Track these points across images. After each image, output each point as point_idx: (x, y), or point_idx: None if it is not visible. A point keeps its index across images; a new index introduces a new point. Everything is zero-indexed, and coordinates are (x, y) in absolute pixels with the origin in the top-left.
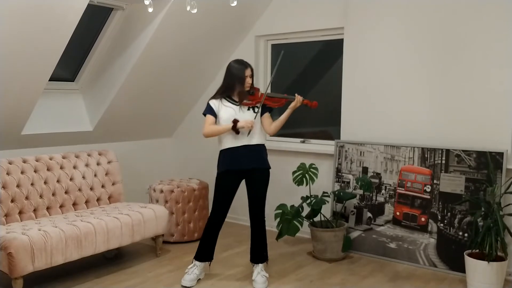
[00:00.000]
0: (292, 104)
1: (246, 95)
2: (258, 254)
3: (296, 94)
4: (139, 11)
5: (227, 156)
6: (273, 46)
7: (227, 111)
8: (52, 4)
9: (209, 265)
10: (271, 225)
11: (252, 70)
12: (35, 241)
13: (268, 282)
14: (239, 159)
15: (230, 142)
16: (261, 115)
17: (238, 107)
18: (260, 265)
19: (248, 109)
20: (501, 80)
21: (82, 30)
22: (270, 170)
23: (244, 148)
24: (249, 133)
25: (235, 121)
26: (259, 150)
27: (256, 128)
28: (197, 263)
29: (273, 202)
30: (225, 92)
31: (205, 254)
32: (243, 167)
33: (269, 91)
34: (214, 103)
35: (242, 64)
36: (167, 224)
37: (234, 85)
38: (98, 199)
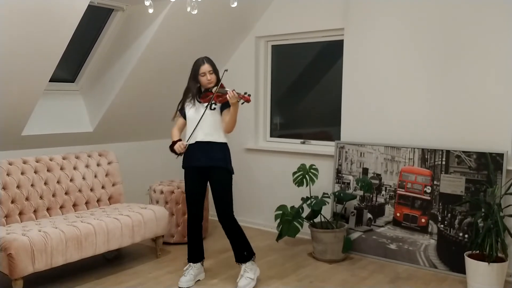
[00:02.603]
0: (229, 101)
1: (202, 93)
2: (237, 254)
3: (228, 90)
4: (139, 12)
5: (187, 152)
6: (273, 47)
7: (189, 109)
8: (52, 5)
9: (202, 264)
10: (271, 226)
11: (212, 66)
12: (35, 242)
13: (258, 284)
14: (193, 156)
15: (189, 137)
16: (221, 111)
17: (196, 104)
18: (244, 265)
19: (206, 107)
20: (501, 81)
21: (83, 31)
22: (226, 170)
23: (199, 145)
24: (180, 155)
25: (174, 143)
26: (213, 148)
27: (207, 124)
28: (191, 264)
29: (273, 203)
30: (187, 92)
31: (194, 254)
32: (200, 165)
33: (233, 88)
34: (183, 103)
35: (197, 62)
36: (167, 225)
37: (190, 84)
38: (98, 200)
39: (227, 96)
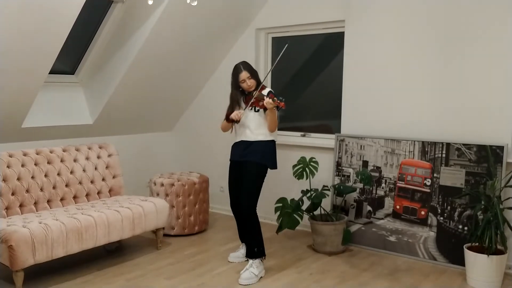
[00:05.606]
0: (266, 106)
1: (245, 98)
2: (248, 248)
3: (265, 97)
4: (139, 3)
5: (232, 149)
6: (273, 39)
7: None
8: None
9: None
10: (271, 218)
11: (249, 71)
12: (36, 234)
13: (260, 279)
14: (236, 152)
15: (235, 137)
16: (264, 111)
17: (242, 107)
18: (251, 260)
19: (251, 110)
20: (502, 73)
21: (82, 23)
22: (259, 164)
23: (240, 143)
24: (238, 121)
25: (229, 114)
26: (254, 145)
27: (251, 125)
28: (243, 243)
29: (273, 195)
30: (231, 99)
31: (240, 235)
32: (236, 159)
33: (269, 88)
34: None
35: (236, 69)
36: (168, 217)
37: (232, 91)
38: (98, 192)
39: (264, 102)
